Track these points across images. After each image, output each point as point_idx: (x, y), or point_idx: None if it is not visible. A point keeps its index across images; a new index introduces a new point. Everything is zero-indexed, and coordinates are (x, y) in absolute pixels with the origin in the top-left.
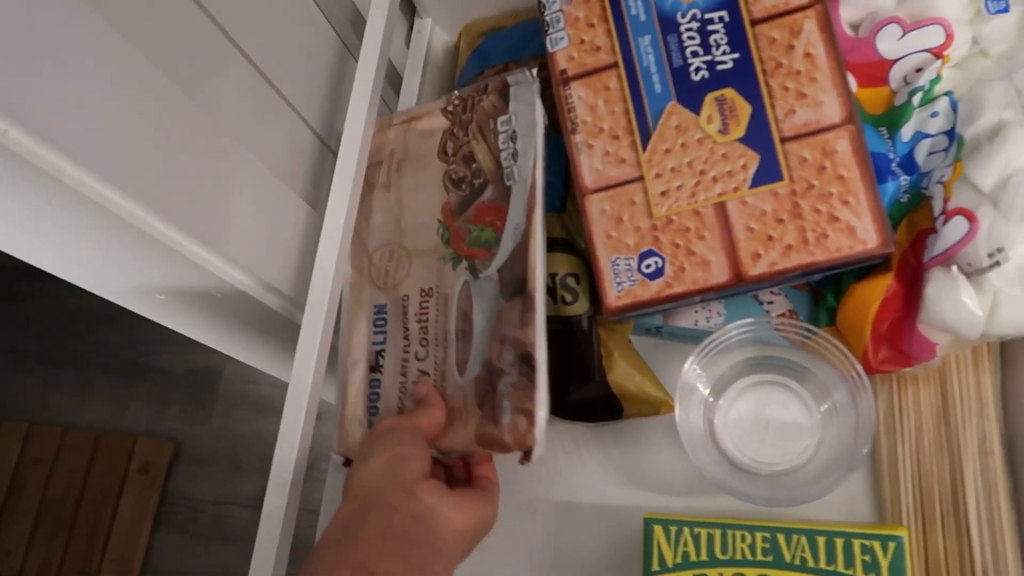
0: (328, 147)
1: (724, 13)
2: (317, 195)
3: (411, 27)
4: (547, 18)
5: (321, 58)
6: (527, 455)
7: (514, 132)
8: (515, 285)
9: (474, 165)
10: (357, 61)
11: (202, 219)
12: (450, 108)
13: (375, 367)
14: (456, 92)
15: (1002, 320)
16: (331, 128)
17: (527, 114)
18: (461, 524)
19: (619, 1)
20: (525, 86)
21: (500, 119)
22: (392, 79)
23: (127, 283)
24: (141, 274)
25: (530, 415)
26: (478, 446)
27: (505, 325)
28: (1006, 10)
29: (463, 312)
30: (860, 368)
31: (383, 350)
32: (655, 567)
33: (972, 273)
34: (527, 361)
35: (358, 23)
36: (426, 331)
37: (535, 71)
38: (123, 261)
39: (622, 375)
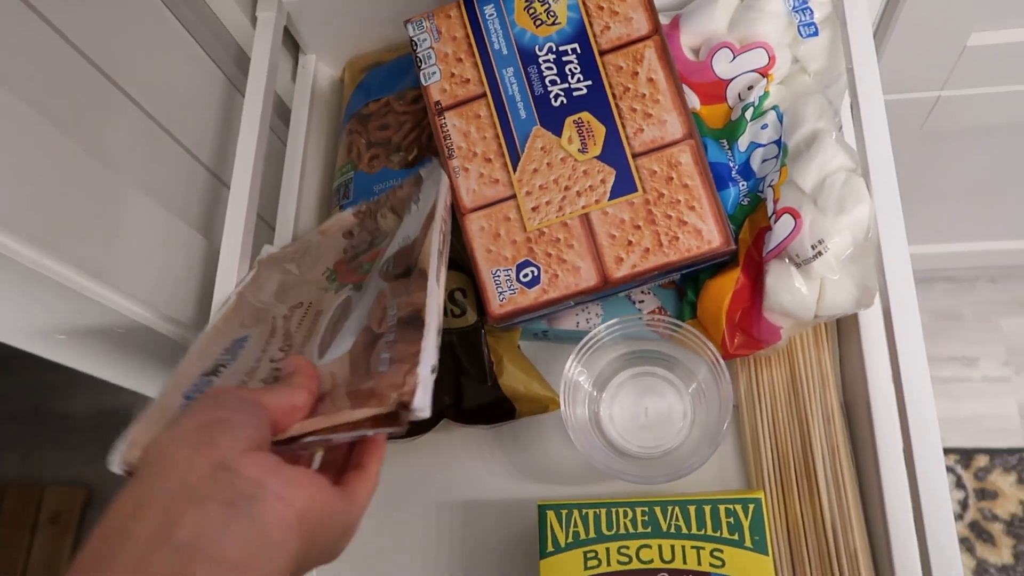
0: (220, 180)
1: (576, 45)
2: (211, 226)
3: (296, 63)
4: (419, 55)
5: (208, 96)
6: (405, 406)
7: (418, 196)
8: (403, 270)
9: (377, 230)
10: (242, 96)
11: (96, 256)
12: (363, 208)
13: (209, 372)
14: (372, 198)
15: (828, 302)
16: (222, 162)
17: (435, 178)
18: (300, 508)
19: (483, 37)
20: (433, 167)
21: (412, 198)
22: (281, 112)
23: (25, 325)
24: (39, 315)
25: (413, 362)
26: (349, 403)
27: (388, 298)
28: (816, 33)
29: (335, 320)
30: (718, 354)
31: (225, 363)
32: (550, 548)
33: (801, 263)
34: (413, 321)
35: (243, 61)
36: (289, 337)
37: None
38: (19, 303)
39: (512, 378)
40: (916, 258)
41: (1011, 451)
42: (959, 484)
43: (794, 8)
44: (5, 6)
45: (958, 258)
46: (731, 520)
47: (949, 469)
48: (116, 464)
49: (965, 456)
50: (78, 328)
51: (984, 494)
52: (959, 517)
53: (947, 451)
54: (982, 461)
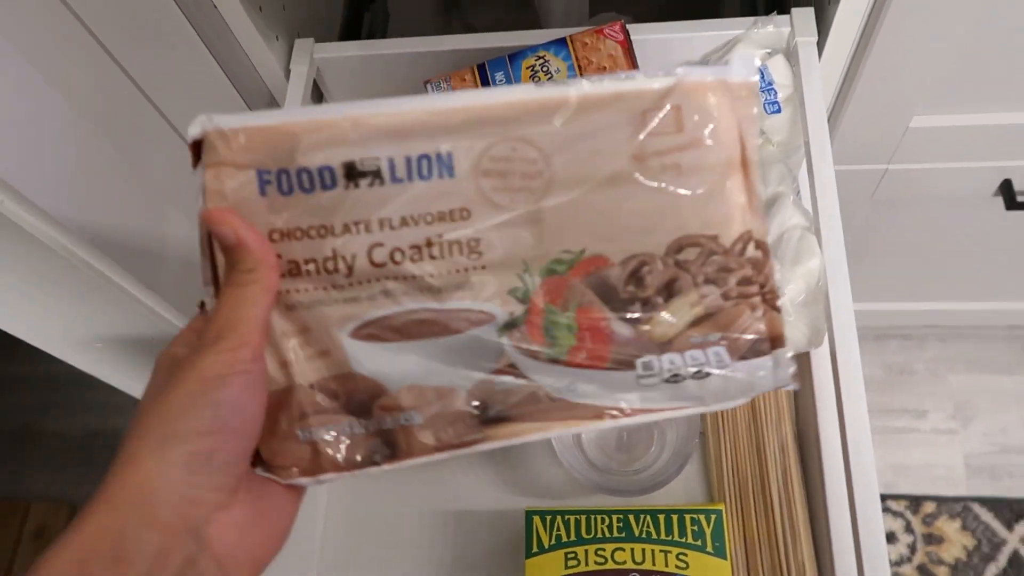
0: None
1: None
2: None
3: None
4: None
5: None
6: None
7: None
8: None
9: None
10: None
11: (148, 266)
12: None
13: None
14: None
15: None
16: None
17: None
18: None
19: None
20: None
21: None
22: None
23: (67, 334)
24: (84, 323)
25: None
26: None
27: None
28: (779, 111)
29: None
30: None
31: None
32: (535, 549)
33: None
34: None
35: (273, 107)
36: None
37: None
38: (68, 311)
39: None
40: (872, 315)
41: (956, 499)
42: (908, 529)
43: (761, 88)
44: (84, 47)
45: (911, 316)
46: (695, 528)
47: (899, 514)
48: (195, 125)
49: (914, 502)
50: (118, 337)
51: (931, 539)
52: (908, 560)
53: (897, 497)
54: (930, 508)
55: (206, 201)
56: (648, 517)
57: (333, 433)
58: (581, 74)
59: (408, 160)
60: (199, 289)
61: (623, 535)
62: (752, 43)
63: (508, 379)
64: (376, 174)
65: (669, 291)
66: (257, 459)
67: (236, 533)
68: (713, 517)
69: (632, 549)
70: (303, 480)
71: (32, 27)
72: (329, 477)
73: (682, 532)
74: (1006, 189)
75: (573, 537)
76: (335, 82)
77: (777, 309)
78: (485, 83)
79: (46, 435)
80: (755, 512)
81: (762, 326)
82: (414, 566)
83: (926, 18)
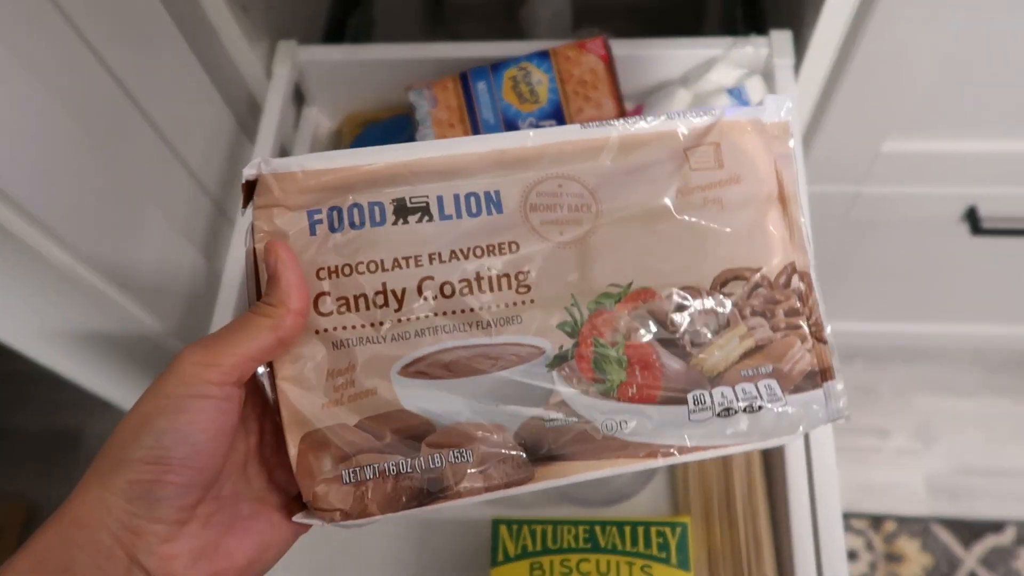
0: (223, 211)
1: (553, 122)
2: (212, 251)
3: (299, 113)
4: (417, 118)
5: (219, 134)
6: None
7: None
8: None
9: None
10: (250, 140)
11: (121, 264)
12: None
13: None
14: None
15: None
16: (226, 195)
17: None
18: None
19: (474, 108)
20: None
21: None
22: (282, 155)
23: (33, 328)
24: (52, 318)
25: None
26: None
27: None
28: None
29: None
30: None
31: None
32: (500, 558)
33: None
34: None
35: (253, 106)
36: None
37: None
38: (36, 304)
39: None
40: (840, 334)
41: (917, 519)
42: (869, 547)
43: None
44: (68, 42)
45: (878, 337)
46: (660, 540)
47: (861, 532)
48: (251, 167)
49: (875, 521)
50: (88, 334)
51: (891, 557)
52: None
53: (860, 515)
54: (891, 527)
55: (255, 240)
56: (614, 528)
57: (380, 473)
58: (563, 87)
59: (457, 197)
60: (169, 287)
61: (589, 546)
62: (730, 63)
63: (559, 416)
64: (425, 210)
65: (718, 324)
66: (293, 503)
67: (182, 564)
68: (678, 529)
69: (597, 560)
70: (348, 523)
71: (16, 20)
72: (375, 519)
73: (647, 544)
74: (971, 215)
75: (539, 547)
76: (317, 85)
77: (824, 341)
78: (467, 92)
79: (6, 432)
80: (719, 525)
81: (812, 358)
82: (381, 573)
83: (900, 45)
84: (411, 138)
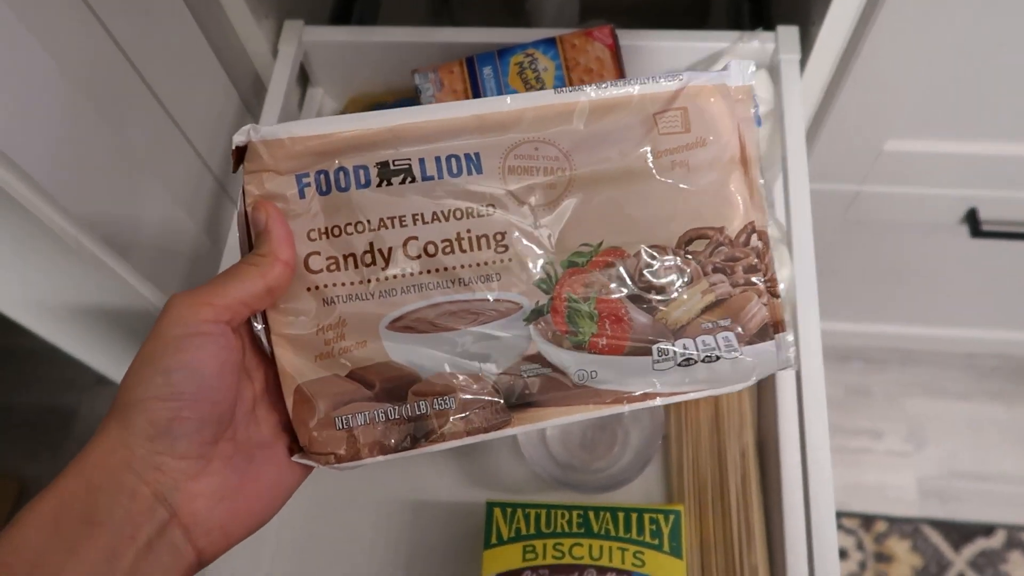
0: (225, 190)
1: None
2: (214, 229)
3: (304, 93)
4: (422, 100)
5: (224, 112)
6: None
7: None
8: None
9: None
10: (255, 119)
11: (123, 236)
12: None
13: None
14: None
15: None
16: (229, 174)
17: None
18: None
19: (479, 92)
20: None
21: None
22: None
23: (35, 298)
24: (55, 288)
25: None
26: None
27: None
28: (759, 124)
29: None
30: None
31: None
32: (493, 540)
33: None
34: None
35: (258, 85)
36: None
37: None
38: (36, 273)
39: None
40: (837, 335)
41: (907, 520)
42: (860, 546)
43: None
44: (77, 12)
45: (873, 338)
46: (653, 527)
47: (851, 532)
48: (240, 134)
49: (866, 521)
50: (87, 306)
51: (881, 557)
52: None
53: (851, 515)
54: (881, 527)
55: (246, 204)
56: (608, 514)
57: (369, 419)
58: (568, 74)
59: (438, 159)
60: (172, 261)
61: (582, 531)
62: (736, 57)
63: (534, 366)
64: (408, 171)
65: (682, 280)
66: (295, 446)
67: (205, 503)
68: (671, 517)
69: (590, 545)
70: (341, 465)
71: None
72: (366, 462)
73: (640, 531)
74: (971, 217)
75: (532, 531)
76: (322, 66)
77: (778, 295)
78: (473, 77)
79: (0, 409)
80: (712, 515)
81: (767, 312)
82: (371, 553)
83: (906, 44)
84: None
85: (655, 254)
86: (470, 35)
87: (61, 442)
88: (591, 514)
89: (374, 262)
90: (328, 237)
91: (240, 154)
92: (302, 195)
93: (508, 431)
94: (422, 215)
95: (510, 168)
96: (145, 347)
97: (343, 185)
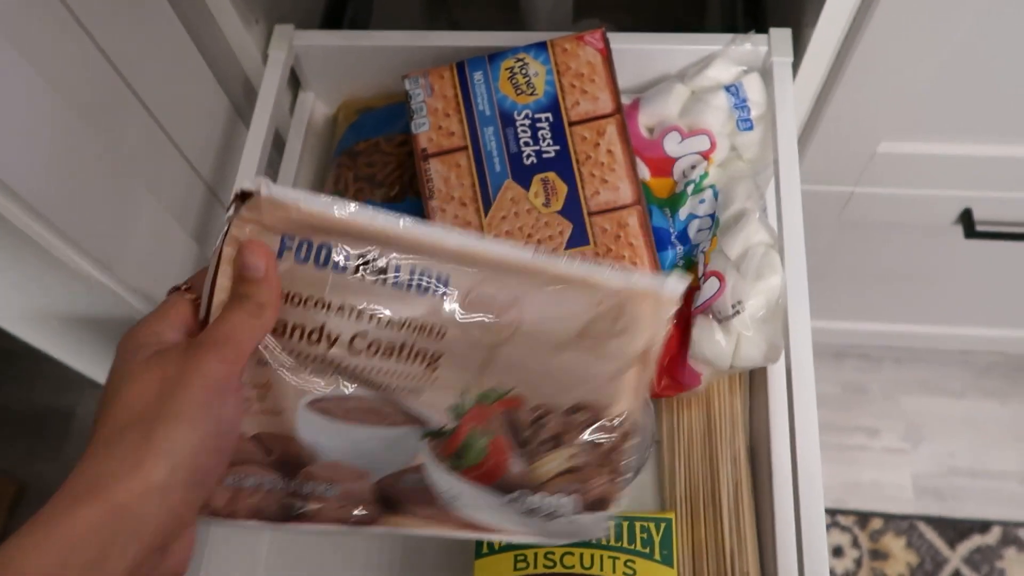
0: (216, 196)
1: (549, 115)
2: (204, 236)
3: (295, 98)
4: (412, 106)
5: (214, 118)
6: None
7: None
8: None
9: None
10: (245, 124)
11: (109, 247)
12: None
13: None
14: None
15: (742, 355)
16: (220, 181)
17: None
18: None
19: (470, 98)
20: None
21: None
22: (276, 143)
23: (22, 306)
24: (41, 300)
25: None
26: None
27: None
28: (751, 128)
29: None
30: (647, 393)
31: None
32: (485, 549)
33: (722, 320)
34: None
35: (248, 90)
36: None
37: None
38: (24, 283)
39: None
40: (833, 332)
41: (903, 517)
42: (855, 544)
43: (735, 105)
44: (58, 20)
45: (869, 336)
46: (644, 536)
47: (847, 529)
48: (252, 182)
49: (862, 518)
50: (75, 315)
51: (877, 554)
52: (853, 574)
53: (846, 512)
54: (877, 524)
55: (225, 244)
56: None
57: (256, 484)
58: (559, 79)
59: (413, 269)
60: (159, 271)
61: None
62: (729, 60)
63: (416, 476)
64: (383, 271)
65: (556, 442)
66: None
67: (185, 551)
68: (663, 525)
69: (581, 554)
70: (212, 519)
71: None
72: (237, 523)
73: (631, 539)
74: (966, 218)
75: None
76: (314, 70)
77: (621, 476)
78: (463, 82)
79: None
80: (704, 521)
81: (609, 489)
82: (363, 563)
83: (899, 46)
84: (407, 127)
85: (544, 412)
86: (462, 39)
87: (59, 442)
88: None
89: (319, 342)
90: (288, 303)
91: (242, 198)
92: (280, 255)
93: (375, 529)
94: (379, 319)
95: (470, 302)
96: (187, 388)
97: (321, 261)
